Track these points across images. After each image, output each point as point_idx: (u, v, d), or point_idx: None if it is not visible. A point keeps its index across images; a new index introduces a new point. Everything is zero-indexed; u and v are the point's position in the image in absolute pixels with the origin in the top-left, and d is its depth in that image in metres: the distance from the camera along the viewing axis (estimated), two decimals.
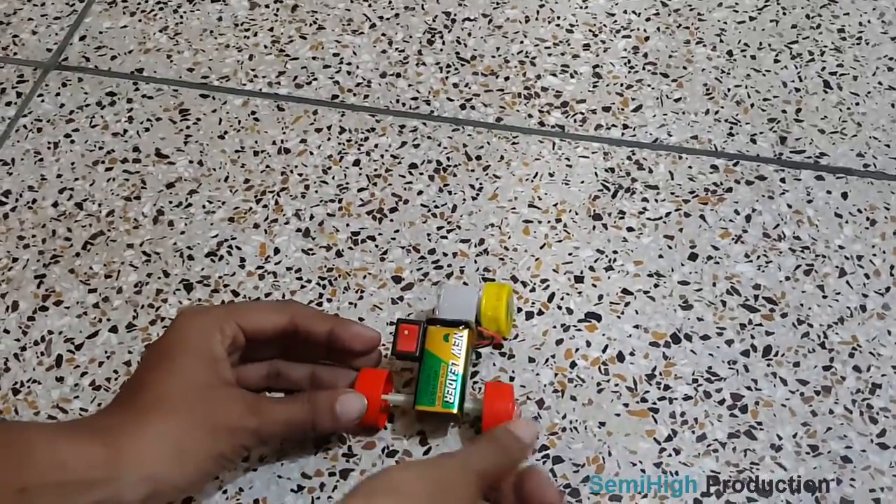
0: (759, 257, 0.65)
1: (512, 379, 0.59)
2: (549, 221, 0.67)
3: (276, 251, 0.66)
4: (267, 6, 0.82)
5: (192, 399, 0.49)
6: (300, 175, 0.70)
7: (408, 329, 0.56)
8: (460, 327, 0.56)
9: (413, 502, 0.44)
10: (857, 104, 0.73)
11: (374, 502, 0.43)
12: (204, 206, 0.69)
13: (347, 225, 0.67)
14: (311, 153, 0.72)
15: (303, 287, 0.64)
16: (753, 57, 0.76)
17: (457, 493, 0.45)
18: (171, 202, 0.69)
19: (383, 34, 0.79)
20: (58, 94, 0.77)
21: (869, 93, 0.74)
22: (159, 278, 0.65)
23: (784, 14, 0.79)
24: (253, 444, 0.51)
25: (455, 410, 0.54)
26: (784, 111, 0.72)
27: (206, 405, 0.49)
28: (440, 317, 0.57)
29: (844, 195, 0.68)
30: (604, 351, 0.61)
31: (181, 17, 0.81)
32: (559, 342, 0.61)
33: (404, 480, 0.45)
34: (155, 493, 0.47)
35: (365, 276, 0.65)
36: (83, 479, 0.45)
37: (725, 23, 0.78)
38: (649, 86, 0.74)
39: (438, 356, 0.55)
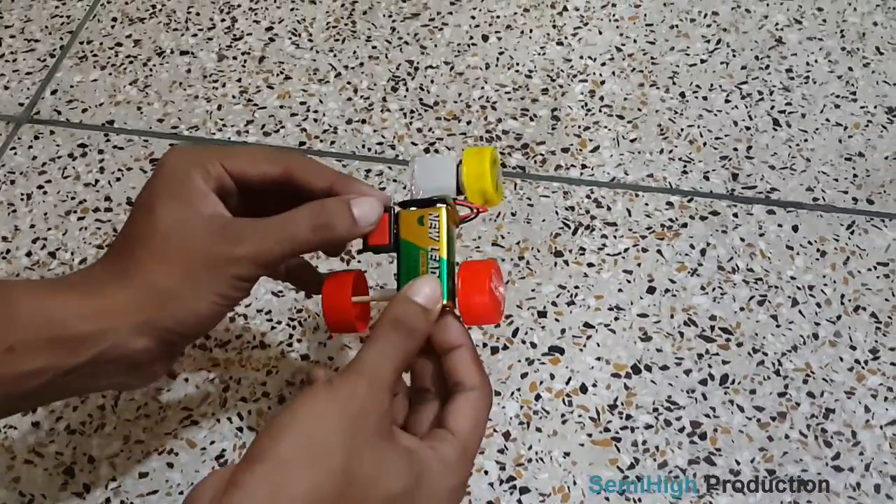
0: (714, 289, 0.67)
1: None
2: (512, 259, 0.69)
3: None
4: (234, 58, 0.84)
5: (173, 242, 0.45)
6: None
7: None
8: (435, 205, 0.47)
9: (329, 464, 0.39)
10: (806, 140, 0.76)
11: (285, 477, 0.38)
12: None
13: (316, 266, 0.69)
14: None
15: (273, 328, 0.65)
16: (705, 98, 0.79)
17: (374, 424, 0.41)
18: None
19: (349, 82, 0.81)
20: (30, 147, 0.78)
21: (817, 129, 0.76)
22: None
23: (734, 56, 0.82)
24: (249, 272, 0.46)
25: (445, 300, 0.45)
26: (735, 149, 0.75)
27: (187, 245, 0.45)
28: (414, 196, 0.48)
29: (795, 228, 0.70)
30: (567, 383, 0.63)
31: (150, 69, 0.83)
32: (524, 375, 0.63)
33: (319, 435, 0.39)
34: (160, 340, 0.45)
35: None
36: (75, 334, 0.43)
37: (677, 66, 0.81)
38: (606, 127, 0.77)
39: (415, 243, 0.47)
